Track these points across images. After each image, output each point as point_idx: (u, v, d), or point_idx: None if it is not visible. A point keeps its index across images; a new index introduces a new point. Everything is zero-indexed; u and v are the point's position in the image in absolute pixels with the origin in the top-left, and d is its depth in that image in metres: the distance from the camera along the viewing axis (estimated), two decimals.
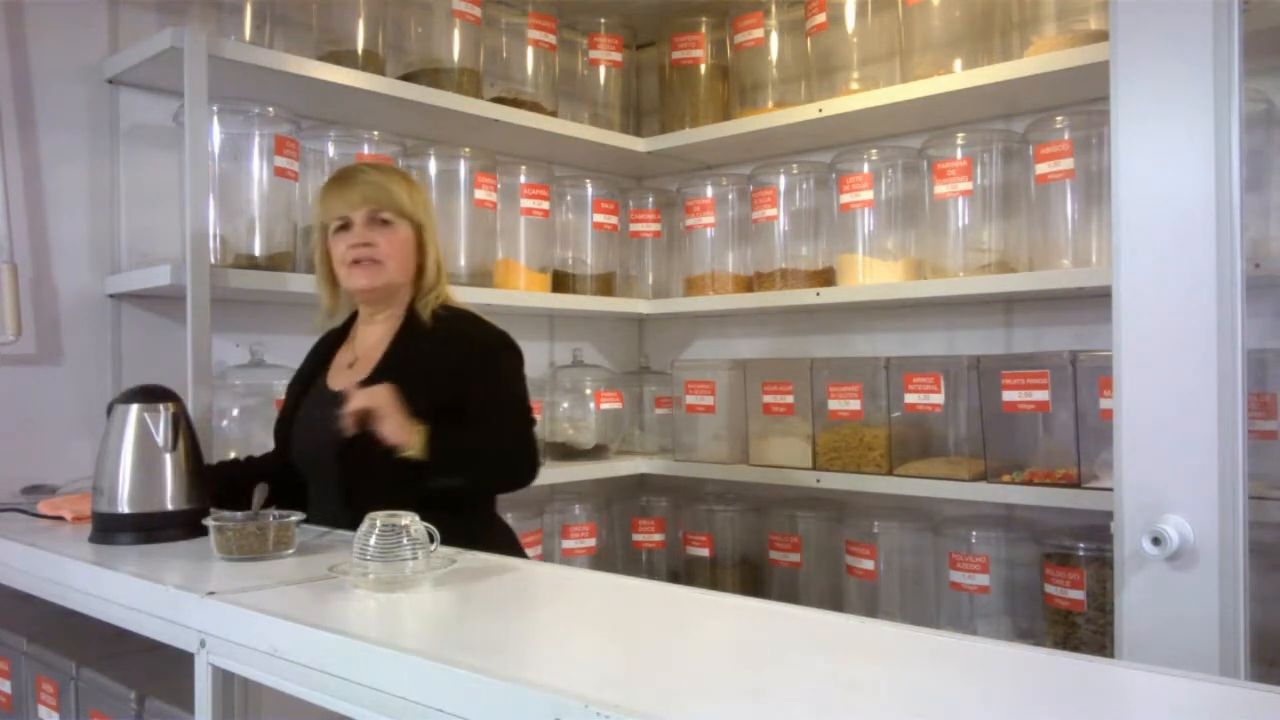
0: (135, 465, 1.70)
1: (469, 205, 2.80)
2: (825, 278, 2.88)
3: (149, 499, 1.70)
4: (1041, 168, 2.46)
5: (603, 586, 1.46)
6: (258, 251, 2.40)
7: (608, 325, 3.52)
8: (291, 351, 2.27)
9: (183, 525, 1.71)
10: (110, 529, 1.69)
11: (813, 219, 2.95)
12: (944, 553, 2.56)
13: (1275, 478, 1.84)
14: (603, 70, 3.28)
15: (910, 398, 2.58)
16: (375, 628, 1.18)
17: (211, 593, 1.29)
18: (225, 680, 1.27)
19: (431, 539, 1.39)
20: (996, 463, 2.44)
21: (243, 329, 2.54)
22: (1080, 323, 2.54)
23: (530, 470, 1.97)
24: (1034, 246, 2.52)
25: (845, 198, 2.79)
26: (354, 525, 1.39)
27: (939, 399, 2.55)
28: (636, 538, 3.24)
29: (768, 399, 2.88)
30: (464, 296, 2.24)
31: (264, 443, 2.36)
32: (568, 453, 3.09)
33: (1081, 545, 2.27)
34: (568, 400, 3.20)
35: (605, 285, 3.22)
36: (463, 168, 2.81)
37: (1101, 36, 2.21)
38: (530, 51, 3.05)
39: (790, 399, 2.83)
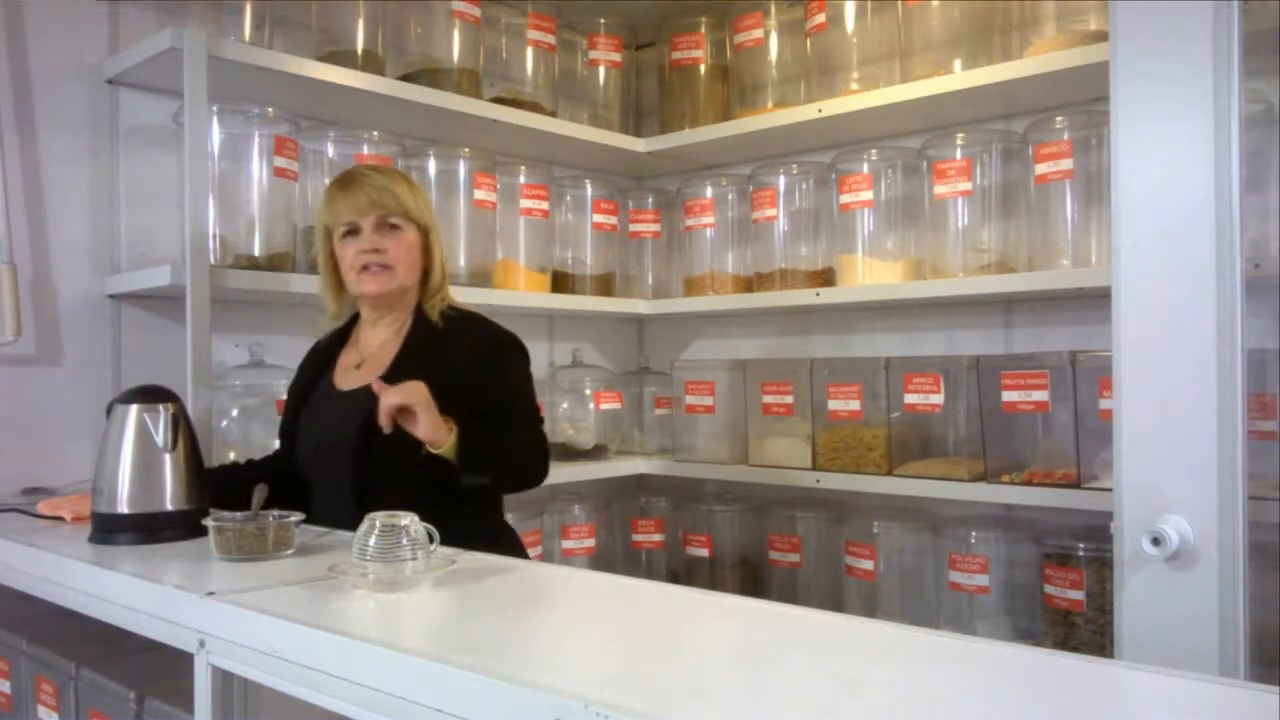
0: (135, 465, 1.70)
1: (468, 205, 2.80)
2: (825, 278, 2.88)
3: (148, 499, 1.70)
4: (1041, 168, 2.46)
5: (602, 587, 1.46)
6: (257, 252, 2.40)
7: (607, 325, 3.52)
8: (291, 352, 2.27)
9: (182, 526, 1.71)
10: (110, 529, 1.69)
11: (812, 219, 2.94)
12: (943, 553, 2.56)
13: (1275, 478, 1.84)
14: (602, 70, 3.28)
15: (910, 398, 2.58)
16: (375, 628, 1.17)
17: (211, 593, 1.29)
18: (225, 680, 1.27)
19: (431, 539, 1.38)
20: (996, 463, 2.44)
21: (242, 329, 2.54)
22: (1080, 323, 2.54)
23: (544, 470, 2.00)
24: (1033, 247, 2.52)
25: (845, 198, 2.80)
26: None
27: (939, 399, 2.55)
28: (636, 538, 3.24)
29: (767, 399, 2.88)
30: (464, 297, 2.25)
31: (264, 443, 2.37)
32: (567, 453, 3.09)
33: (1081, 545, 2.27)
34: (567, 400, 3.19)
35: (605, 285, 3.22)
36: (462, 168, 2.81)
37: (1101, 36, 2.21)
38: (530, 52, 3.05)
39: (790, 399, 2.83)
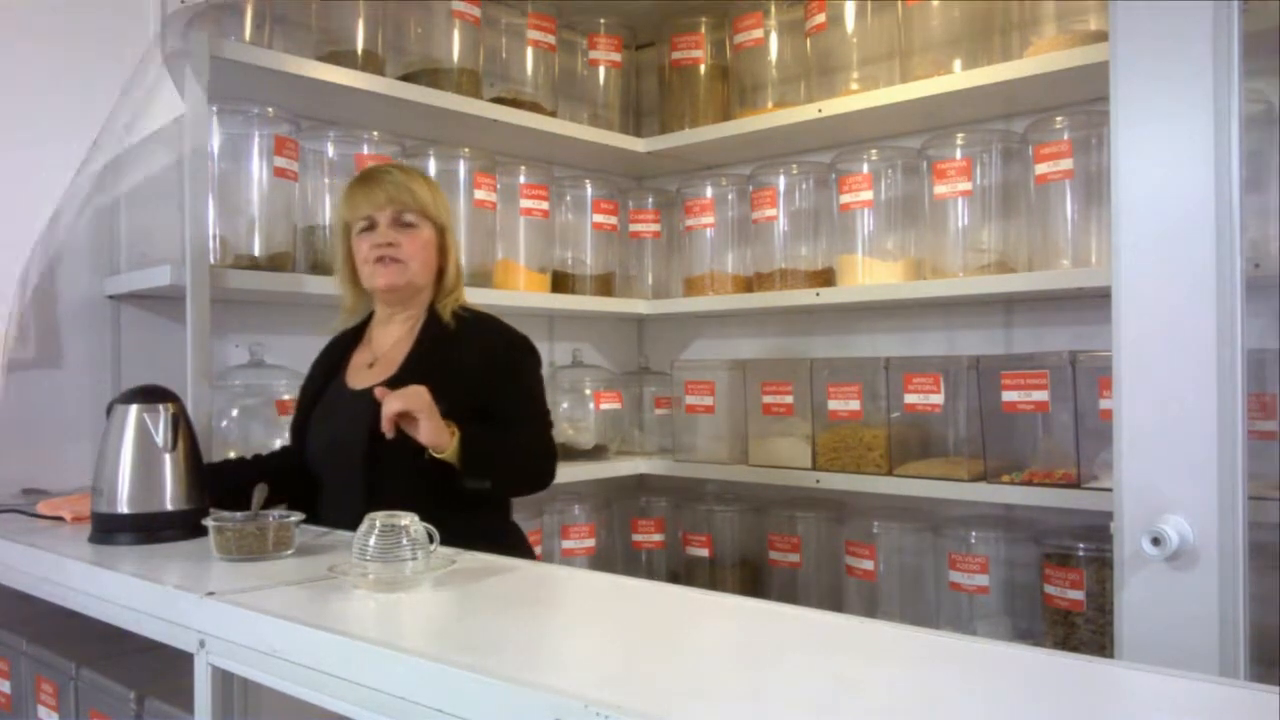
0: (135, 465, 1.70)
1: (468, 205, 2.80)
2: (825, 278, 2.88)
3: (148, 499, 1.70)
4: (1041, 168, 2.46)
5: (602, 587, 1.46)
6: (257, 252, 2.40)
7: (607, 325, 3.52)
8: (291, 352, 2.27)
9: (182, 525, 1.71)
10: (110, 529, 1.69)
11: (812, 219, 2.94)
12: (943, 553, 2.56)
13: (1275, 478, 1.84)
14: (602, 70, 3.28)
15: (910, 398, 2.58)
16: (375, 628, 1.18)
17: (211, 593, 1.29)
18: (225, 680, 1.27)
19: (431, 539, 1.39)
20: (996, 463, 2.44)
21: (242, 329, 2.54)
22: (1080, 323, 2.54)
23: (551, 472, 2.02)
24: (1033, 247, 2.52)
25: (845, 198, 2.79)
26: None
27: (938, 399, 2.55)
28: (636, 538, 3.24)
29: (767, 399, 2.88)
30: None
31: (264, 443, 2.37)
32: (567, 453, 3.08)
33: (1081, 545, 2.27)
34: (567, 400, 3.19)
35: (605, 285, 3.22)
36: (462, 168, 2.81)
37: (1101, 37, 2.21)
38: (530, 52, 3.05)
39: (790, 399, 2.83)
